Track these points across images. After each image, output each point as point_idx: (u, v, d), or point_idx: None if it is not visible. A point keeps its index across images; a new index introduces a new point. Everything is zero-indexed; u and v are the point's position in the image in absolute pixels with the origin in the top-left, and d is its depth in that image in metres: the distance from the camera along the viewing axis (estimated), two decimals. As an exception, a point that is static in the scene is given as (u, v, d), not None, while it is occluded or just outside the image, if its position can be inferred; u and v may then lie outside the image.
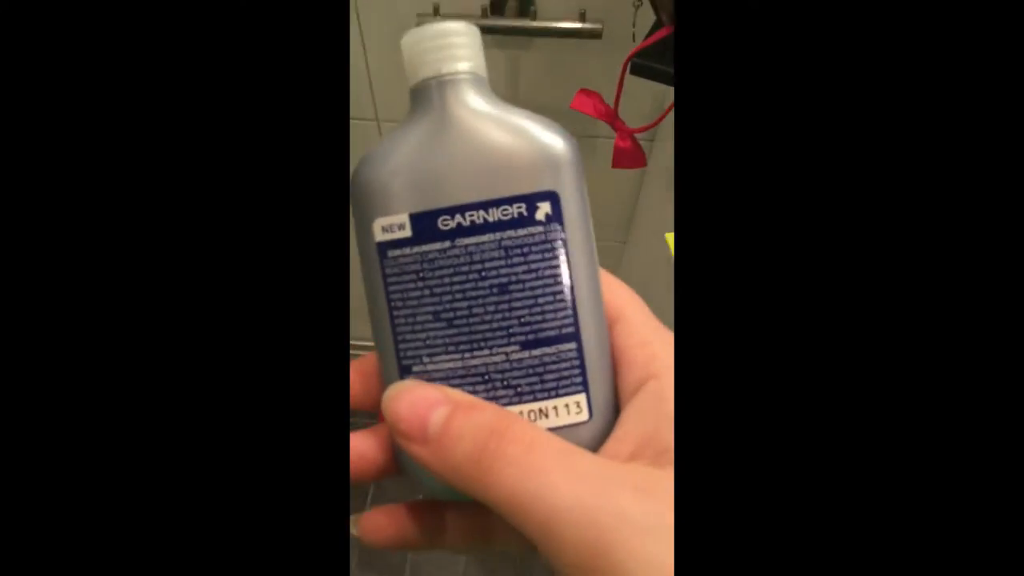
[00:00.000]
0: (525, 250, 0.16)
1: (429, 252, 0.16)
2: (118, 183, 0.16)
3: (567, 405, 0.16)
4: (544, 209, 0.16)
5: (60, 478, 0.15)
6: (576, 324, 0.16)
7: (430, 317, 0.16)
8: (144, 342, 0.16)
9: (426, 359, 0.17)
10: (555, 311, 0.16)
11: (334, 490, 0.16)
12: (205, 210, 0.16)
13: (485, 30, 0.63)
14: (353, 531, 0.19)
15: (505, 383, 0.16)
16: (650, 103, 0.71)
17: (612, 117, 0.57)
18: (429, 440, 0.15)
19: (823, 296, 0.15)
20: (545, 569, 0.15)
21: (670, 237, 0.48)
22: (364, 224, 0.17)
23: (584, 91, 0.64)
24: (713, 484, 0.15)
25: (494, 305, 0.16)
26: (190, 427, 0.16)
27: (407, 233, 0.17)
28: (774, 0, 0.15)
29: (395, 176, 0.17)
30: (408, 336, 0.16)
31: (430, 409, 0.16)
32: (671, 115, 0.60)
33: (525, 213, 0.16)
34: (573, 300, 0.16)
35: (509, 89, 0.80)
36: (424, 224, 0.16)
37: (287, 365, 0.16)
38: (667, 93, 0.66)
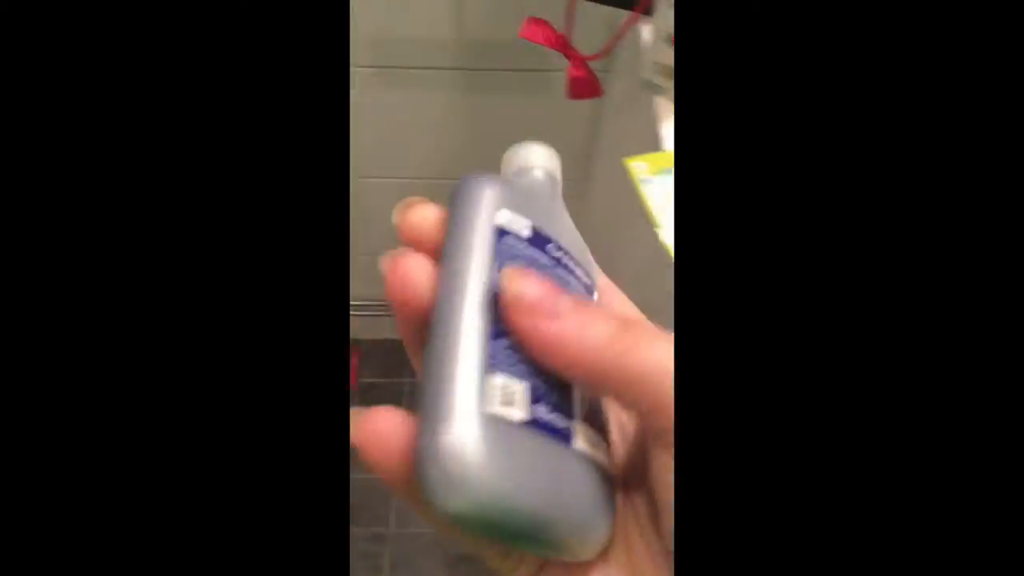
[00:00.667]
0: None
1: (538, 259, 0.18)
2: (114, 159, 0.16)
3: None
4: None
5: (59, 477, 0.15)
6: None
7: None
8: (144, 331, 0.16)
9: None
10: None
11: (334, 487, 0.16)
12: (204, 197, 0.16)
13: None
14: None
15: None
16: (602, 29, 0.69)
17: (564, 45, 0.55)
18: (563, 315, 0.15)
19: (823, 297, 0.15)
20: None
21: (631, 164, 0.47)
22: (476, 207, 0.18)
23: (533, 19, 0.61)
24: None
25: None
26: (184, 411, 0.16)
27: (526, 234, 0.18)
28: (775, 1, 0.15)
29: (524, 193, 0.19)
30: None
31: (556, 293, 0.16)
32: (625, 39, 0.57)
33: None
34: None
35: (453, 22, 0.76)
36: (541, 241, 0.19)
37: (286, 357, 0.16)
38: (620, 17, 0.63)
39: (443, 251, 0.17)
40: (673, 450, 0.15)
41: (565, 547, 0.16)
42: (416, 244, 0.18)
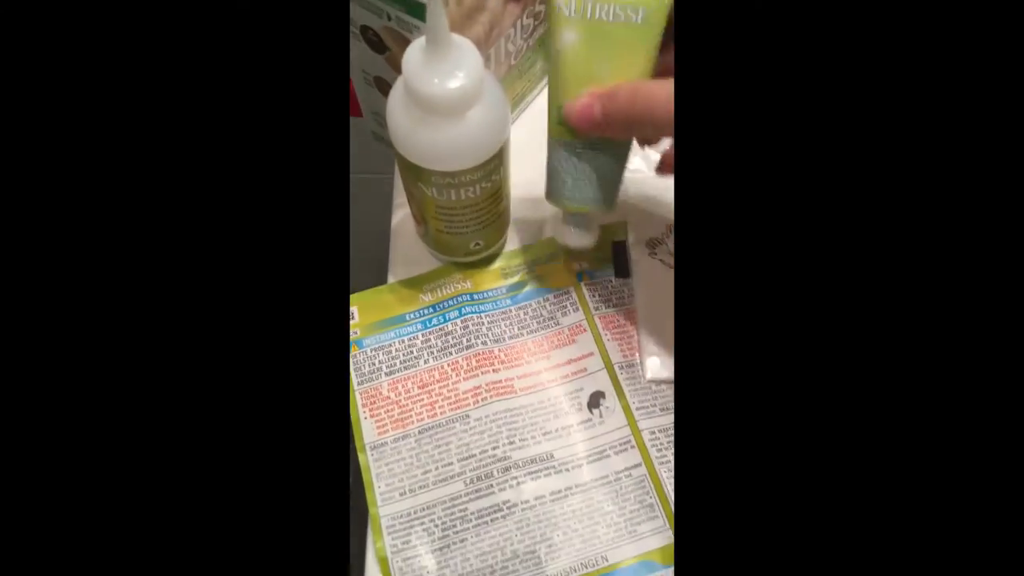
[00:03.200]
0: None
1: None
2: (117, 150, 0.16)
3: None
4: None
5: (59, 476, 0.16)
6: None
7: None
8: (146, 324, 0.16)
9: None
10: None
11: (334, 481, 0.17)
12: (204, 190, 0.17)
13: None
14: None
15: None
16: None
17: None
18: (595, 100, 0.29)
19: (822, 299, 0.15)
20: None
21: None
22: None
23: None
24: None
25: None
26: (186, 406, 0.16)
27: None
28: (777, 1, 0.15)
29: None
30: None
31: (592, 98, 0.30)
32: None
33: None
34: None
35: None
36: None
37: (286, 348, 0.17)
38: None
39: None
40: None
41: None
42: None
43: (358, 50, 0.37)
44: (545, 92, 0.50)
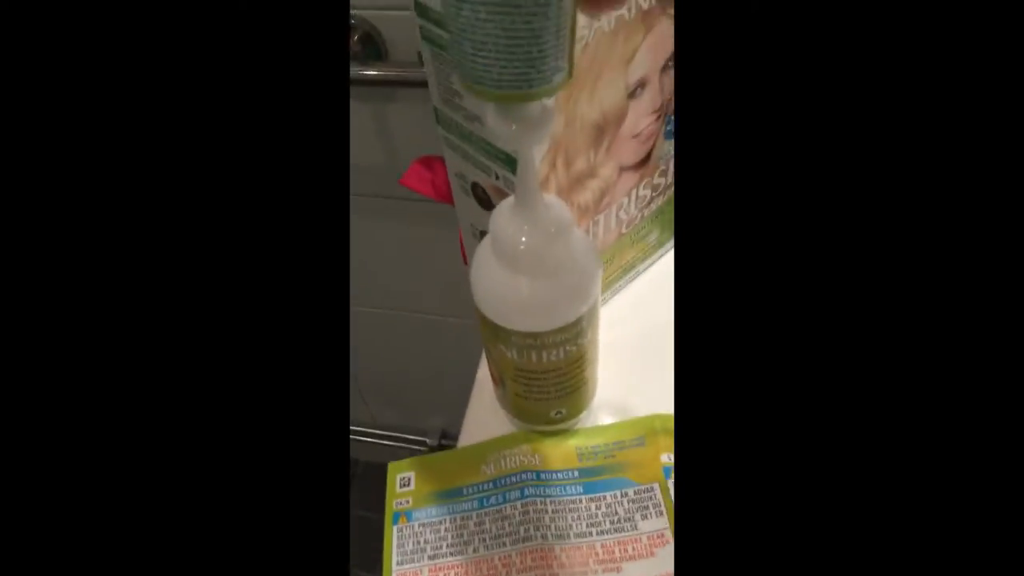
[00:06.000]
0: None
1: None
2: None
3: None
4: None
5: (59, 477, 0.16)
6: None
7: None
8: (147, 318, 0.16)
9: None
10: None
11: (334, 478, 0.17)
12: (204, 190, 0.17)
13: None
14: None
15: None
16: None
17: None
18: None
19: (822, 302, 0.15)
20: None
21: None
22: None
23: (422, 162, 0.50)
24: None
25: None
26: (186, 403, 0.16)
27: None
28: (775, 2, 0.15)
29: None
30: None
31: None
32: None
33: None
34: None
35: (383, 144, 0.72)
36: None
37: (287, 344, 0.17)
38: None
39: None
40: None
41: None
42: None
43: (467, 205, 0.37)
44: (659, 263, 0.48)
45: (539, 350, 0.30)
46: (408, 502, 0.34)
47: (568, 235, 0.27)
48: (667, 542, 0.31)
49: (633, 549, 0.31)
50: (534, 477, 0.34)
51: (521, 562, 0.31)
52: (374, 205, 0.76)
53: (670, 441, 0.34)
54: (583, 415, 0.36)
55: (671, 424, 0.35)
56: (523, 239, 0.27)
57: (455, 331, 0.92)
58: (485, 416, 0.38)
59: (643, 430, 0.35)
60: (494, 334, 0.30)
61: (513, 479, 0.34)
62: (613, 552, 0.31)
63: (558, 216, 0.27)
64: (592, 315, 0.30)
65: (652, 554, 0.31)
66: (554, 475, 0.34)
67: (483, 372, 0.40)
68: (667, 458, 0.34)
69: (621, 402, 0.37)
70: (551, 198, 0.27)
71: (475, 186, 0.35)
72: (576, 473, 0.34)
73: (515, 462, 0.35)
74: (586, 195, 0.34)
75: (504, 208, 0.27)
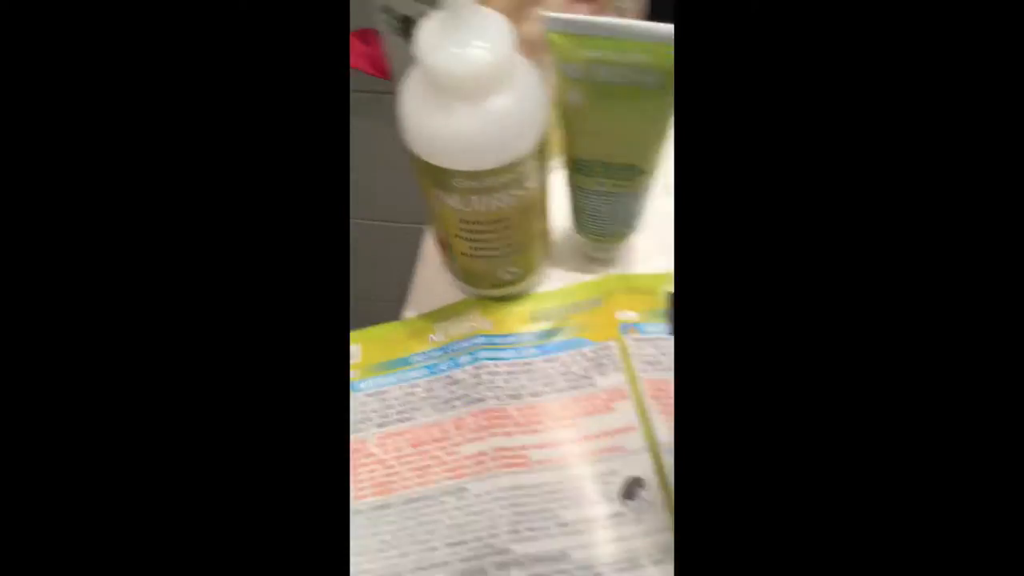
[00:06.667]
0: None
1: None
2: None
3: None
4: None
5: (60, 476, 0.15)
6: None
7: None
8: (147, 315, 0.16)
9: None
10: None
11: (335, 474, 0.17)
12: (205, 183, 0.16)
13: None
14: None
15: None
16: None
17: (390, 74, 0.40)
18: None
19: (822, 303, 0.15)
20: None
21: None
22: None
23: (358, 35, 0.48)
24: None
25: None
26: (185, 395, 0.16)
27: None
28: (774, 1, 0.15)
29: None
30: None
31: None
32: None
33: None
34: None
35: None
36: None
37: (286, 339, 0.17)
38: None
39: None
40: None
41: None
42: None
43: (403, 51, 0.33)
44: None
45: (481, 194, 0.27)
46: (355, 374, 0.32)
47: (508, 50, 0.24)
48: (625, 397, 0.30)
49: (590, 404, 0.30)
50: (486, 341, 0.32)
51: (474, 423, 0.30)
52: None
53: (627, 299, 0.33)
54: (536, 279, 0.34)
55: (627, 283, 0.33)
56: (453, 51, 0.23)
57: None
58: (432, 287, 0.35)
59: (598, 291, 0.33)
60: (432, 180, 0.27)
61: (464, 344, 0.32)
62: (570, 408, 0.30)
63: (496, 27, 0.23)
64: (541, 158, 0.27)
65: (610, 409, 0.30)
66: (507, 338, 0.32)
67: (428, 245, 0.37)
68: (623, 315, 0.32)
69: (578, 262, 0.35)
70: (487, 10, 0.24)
71: (405, 20, 0.31)
72: (530, 335, 0.32)
73: (466, 327, 0.33)
74: (532, 27, 0.31)
75: (432, 22, 0.24)
